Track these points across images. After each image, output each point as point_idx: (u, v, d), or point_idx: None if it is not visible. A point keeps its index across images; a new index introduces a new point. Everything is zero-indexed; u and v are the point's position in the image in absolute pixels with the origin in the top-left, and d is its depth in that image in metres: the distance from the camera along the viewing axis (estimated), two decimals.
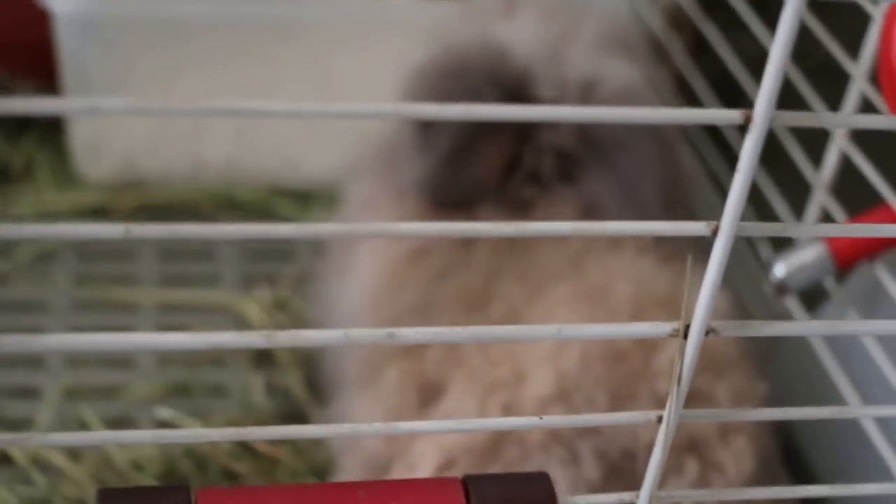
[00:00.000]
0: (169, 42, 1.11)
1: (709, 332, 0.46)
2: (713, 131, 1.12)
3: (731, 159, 1.07)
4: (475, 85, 0.87)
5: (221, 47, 1.12)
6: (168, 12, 1.11)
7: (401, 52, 0.94)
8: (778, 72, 0.38)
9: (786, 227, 0.44)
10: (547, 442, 0.72)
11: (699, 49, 1.11)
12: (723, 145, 1.06)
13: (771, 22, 0.91)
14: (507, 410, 0.74)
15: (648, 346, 0.76)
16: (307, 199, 1.18)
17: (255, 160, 1.18)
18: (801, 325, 0.48)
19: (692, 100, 1.08)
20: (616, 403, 0.73)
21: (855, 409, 0.71)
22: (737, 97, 0.95)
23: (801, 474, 0.89)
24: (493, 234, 0.41)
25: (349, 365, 0.87)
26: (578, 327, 0.45)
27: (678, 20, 1.18)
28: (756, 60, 0.91)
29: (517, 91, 0.89)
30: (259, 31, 1.13)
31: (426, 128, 0.87)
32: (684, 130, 1.12)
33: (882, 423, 0.75)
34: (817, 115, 0.45)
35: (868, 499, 0.57)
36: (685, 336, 0.46)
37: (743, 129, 0.42)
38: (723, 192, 0.99)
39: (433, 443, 0.74)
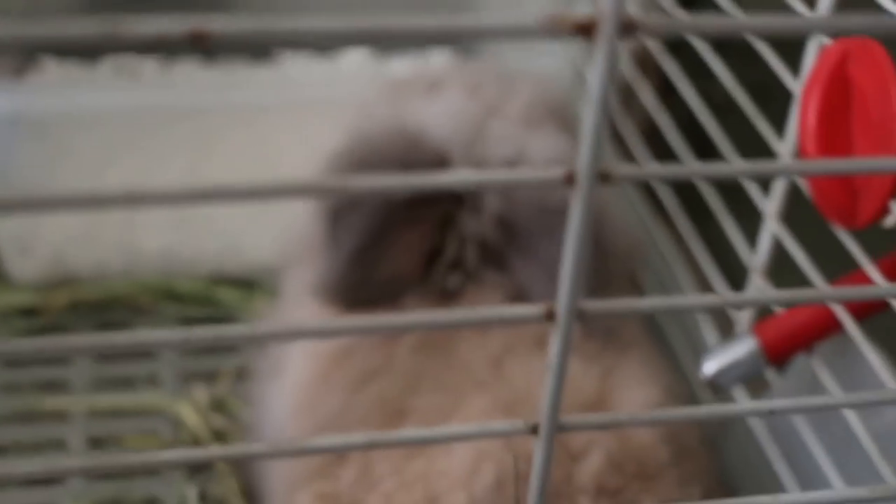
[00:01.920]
0: (97, 131, 1.07)
1: None
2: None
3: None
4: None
5: (155, 136, 1.09)
6: (93, 103, 1.07)
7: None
8: (575, 268, 0.34)
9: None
10: None
11: (667, 91, 1.07)
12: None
13: (734, 63, 0.86)
14: None
15: (570, 457, 0.71)
16: (250, 285, 1.14)
17: (195, 248, 1.13)
18: None
19: (661, 143, 1.03)
20: None
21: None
22: (705, 140, 0.91)
23: None
24: None
25: (270, 483, 0.83)
26: None
27: (645, 63, 1.13)
28: (723, 102, 0.86)
29: None
30: (194, 118, 1.09)
31: (334, 224, 0.83)
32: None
33: None
34: (625, 301, 0.40)
35: None
36: None
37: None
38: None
39: None
